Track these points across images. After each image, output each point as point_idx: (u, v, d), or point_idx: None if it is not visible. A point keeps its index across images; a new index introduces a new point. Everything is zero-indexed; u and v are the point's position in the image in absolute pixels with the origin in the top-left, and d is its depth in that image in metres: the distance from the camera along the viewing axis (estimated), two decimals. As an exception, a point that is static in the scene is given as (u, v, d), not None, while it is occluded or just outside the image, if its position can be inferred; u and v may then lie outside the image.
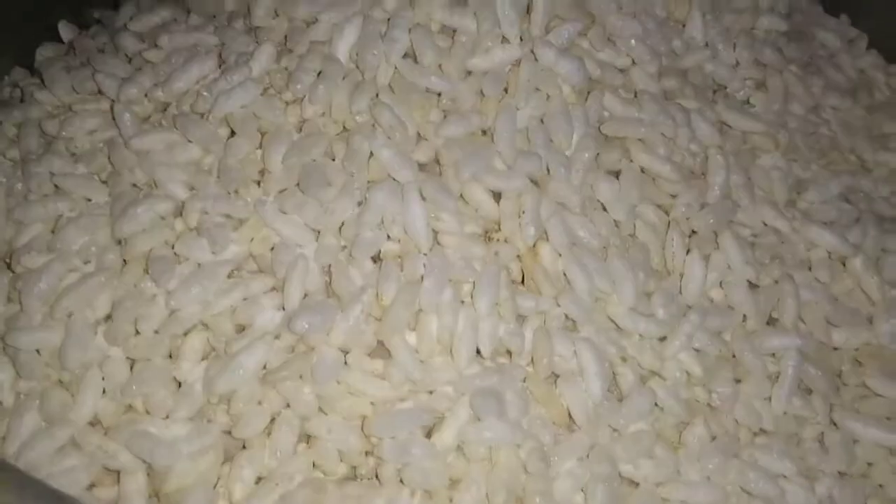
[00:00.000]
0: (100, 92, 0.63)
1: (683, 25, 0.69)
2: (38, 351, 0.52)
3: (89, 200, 0.57)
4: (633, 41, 0.64)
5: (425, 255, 0.53)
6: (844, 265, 0.63)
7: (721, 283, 0.59)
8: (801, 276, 0.61)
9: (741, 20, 0.71)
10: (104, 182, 0.58)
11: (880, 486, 0.57)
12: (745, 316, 0.59)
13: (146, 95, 0.61)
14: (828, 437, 0.57)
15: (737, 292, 0.58)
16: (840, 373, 0.60)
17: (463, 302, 0.53)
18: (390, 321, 0.51)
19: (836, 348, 0.61)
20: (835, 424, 0.58)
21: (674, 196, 0.61)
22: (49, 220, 0.57)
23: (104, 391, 0.50)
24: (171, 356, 0.52)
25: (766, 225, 0.63)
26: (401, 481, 0.49)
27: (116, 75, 0.62)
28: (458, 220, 0.54)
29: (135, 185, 0.57)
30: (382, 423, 0.49)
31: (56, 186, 0.58)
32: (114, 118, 0.59)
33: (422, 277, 0.52)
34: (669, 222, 0.60)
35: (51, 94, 0.64)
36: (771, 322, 0.60)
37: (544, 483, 0.49)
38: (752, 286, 0.60)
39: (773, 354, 0.58)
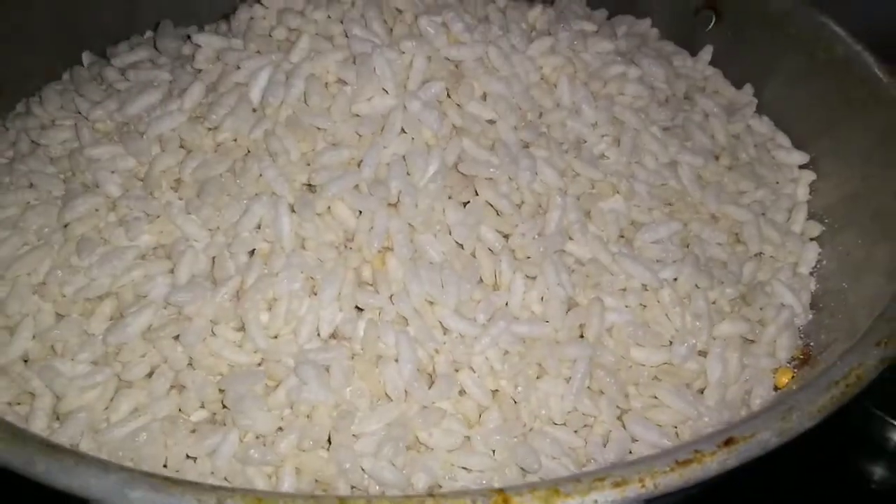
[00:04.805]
0: (78, 112, 0.80)
1: (556, 86, 0.82)
2: (-8, 302, 0.69)
3: (50, 193, 0.74)
4: (497, 99, 0.78)
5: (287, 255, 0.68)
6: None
7: (542, 299, 0.72)
8: (614, 301, 0.73)
9: (609, 87, 0.84)
10: (65, 181, 0.75)
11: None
12: (555, 329, 0.71)
13: (110, 117, 0.78)
14: (612, 434, 0.69)
15: (551, 308, 0.71)
16: (638, 383, 0.72)
17: (315, 294, 0.68)
18: (246, 301, 0.65)
19: (642, 364, 0.73)
20: (624, 426, 0.70)
21: (516, 226, 0.74)
22: (21, 205, 0.74)
23: (34, 336, 0.67)
24: (92, 314, 0.68)
25: (593, 257, 0.75)
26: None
27: (91, 99, 0.80)
28: (317, 230, 0.69)
29: (84, 184, 0.74)
30: (229, 380, 0.64)
31: (30, 182, 0.76)
32: (76, 132, 0.76)
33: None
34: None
35: (43, 110, 0.82)
36: (583, 336, 0.72)
37: (347, 438, 0.63)
38: (572, 306, 0.72)
39: (575, 361, 0.70)
